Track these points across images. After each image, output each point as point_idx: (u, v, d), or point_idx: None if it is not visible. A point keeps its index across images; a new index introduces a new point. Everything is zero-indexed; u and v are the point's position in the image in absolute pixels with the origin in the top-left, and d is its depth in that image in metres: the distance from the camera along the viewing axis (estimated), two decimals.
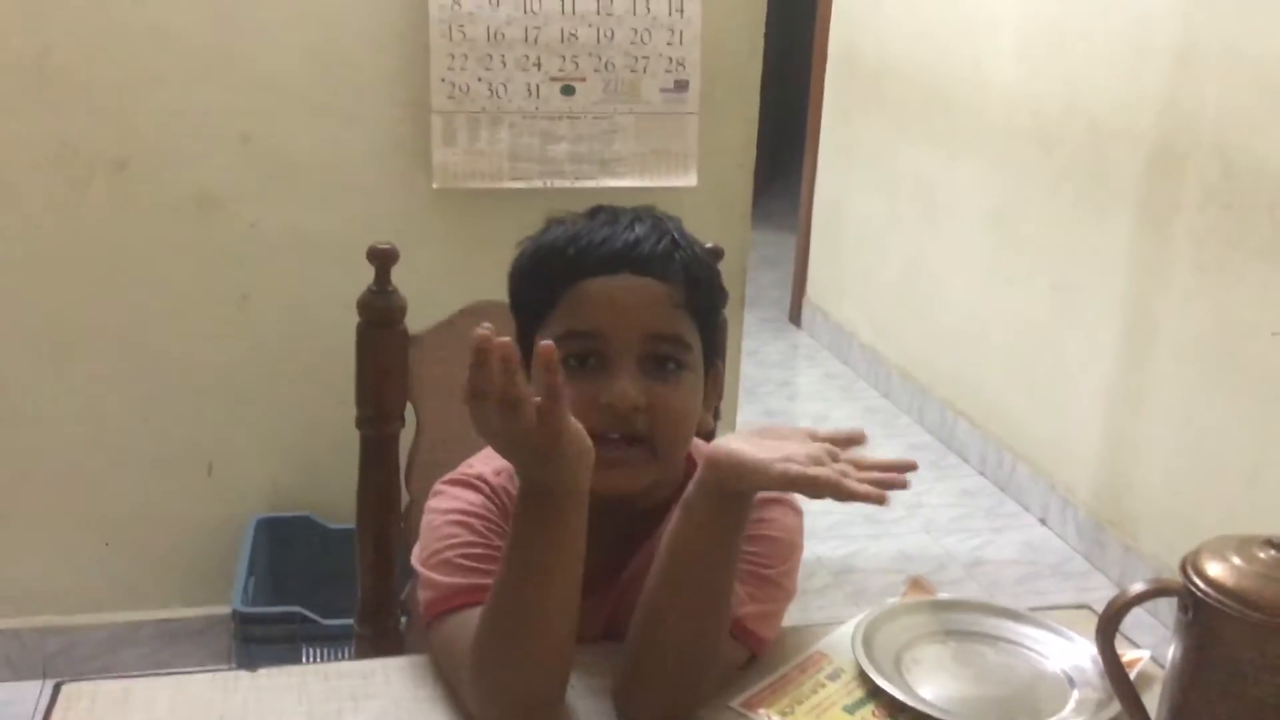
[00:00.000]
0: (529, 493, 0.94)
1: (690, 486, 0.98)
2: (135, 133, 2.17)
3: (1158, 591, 0.88)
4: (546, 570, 0.94)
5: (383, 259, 1.41)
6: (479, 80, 2.23)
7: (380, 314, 1.42)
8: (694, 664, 1.00)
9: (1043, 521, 3.30)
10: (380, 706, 1.01)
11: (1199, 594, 0.85)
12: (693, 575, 0.98)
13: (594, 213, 1.11)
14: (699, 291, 1.08)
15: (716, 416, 1.49)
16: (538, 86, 2.26)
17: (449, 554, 1.05)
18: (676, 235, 1.09)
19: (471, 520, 1.07)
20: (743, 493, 0.97)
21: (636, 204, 1.15)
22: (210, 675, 1.06)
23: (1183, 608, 0.87)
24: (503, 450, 0.92)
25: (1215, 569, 0.86)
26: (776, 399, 4.12)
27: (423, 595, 1.06)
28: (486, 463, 1.13)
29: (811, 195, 4.71)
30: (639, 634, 0.99)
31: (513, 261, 1.13)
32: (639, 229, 1.07)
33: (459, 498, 1.09)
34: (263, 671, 1.06)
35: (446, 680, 1.03)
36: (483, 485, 1.10)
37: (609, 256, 1.05)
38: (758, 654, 1.09)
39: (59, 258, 2.20)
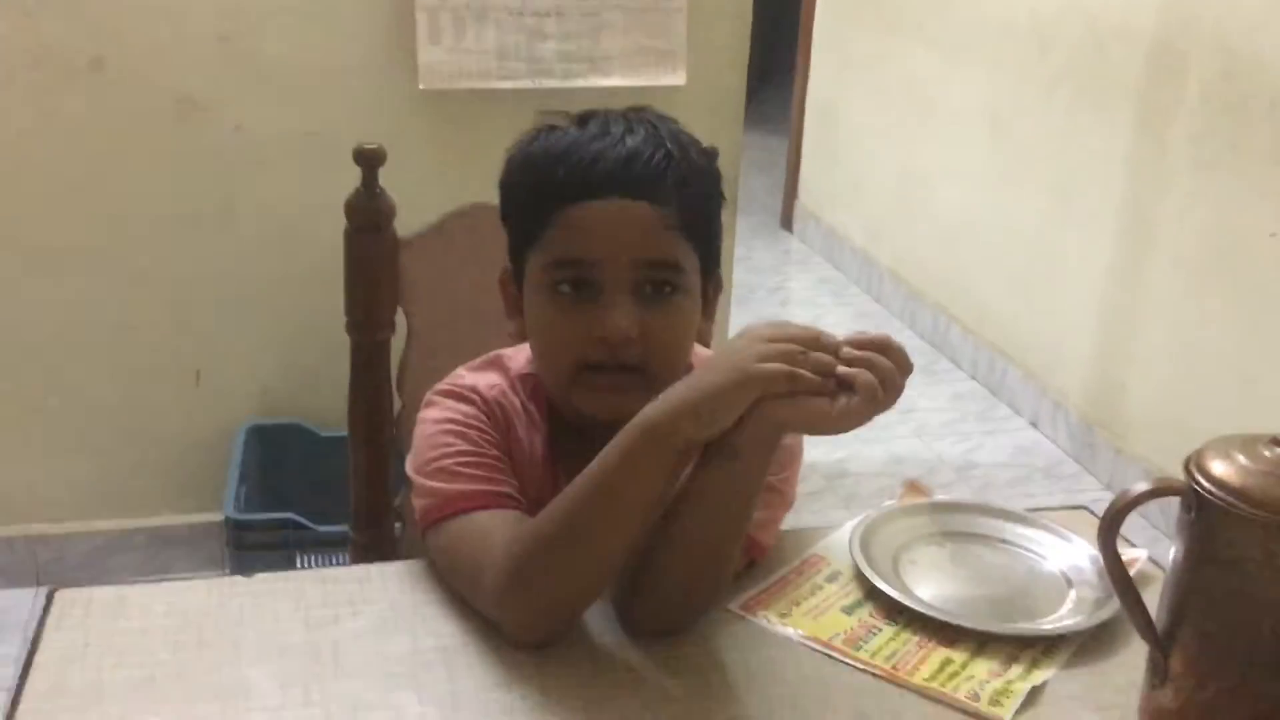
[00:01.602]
0: (658, 430, 0.91)
1: (741, 437, 0.92)
2: (111, 32, 2.11)
3: (1163, 491, 0.87)
4: (635, 505, 0.93)
5: (369, 160, 1.38)
6: None
7: (368, 217, 1.39)
8: (706, 581, 1.00)
9: (1034, 425, 3.31)
10: (378, 611, 1.01)
11: (1203, 493, 0.84)
12: (721, 508, 0.96)
13: (584, 120, 1.05)
14: (694, 209, 1.04)
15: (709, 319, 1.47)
16: None
17: (445, 461, 1.04)
18: (671, 146, 1.03)
19: (467, 430, 1.06)
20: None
21: (628, 104, 1.11)
22: (206, 581, 1.05)
23: (1186, 507, 0.86)
24: (738, 394, 0.90)
25: (1220, 468, 0.84)
26: (768, 305, 4.10)
27: (418, 503, 1.05)
28: (477, 375, 1.12)
29: (804, 97, 4.63)
30: (651, 549, 0.97)
31: (502, 171, 1.09)
32: (630, 141, 1.02)
33: (452, 408, 1.08)
34: (259, 577, 1.05)
35: (447, 583, 1.03)
36: (475, 397, 1.09)
37: (599, 179, 1.00)
38: (757, 560, 1.09)
39: (36, 164, 2.16)
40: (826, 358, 0.91)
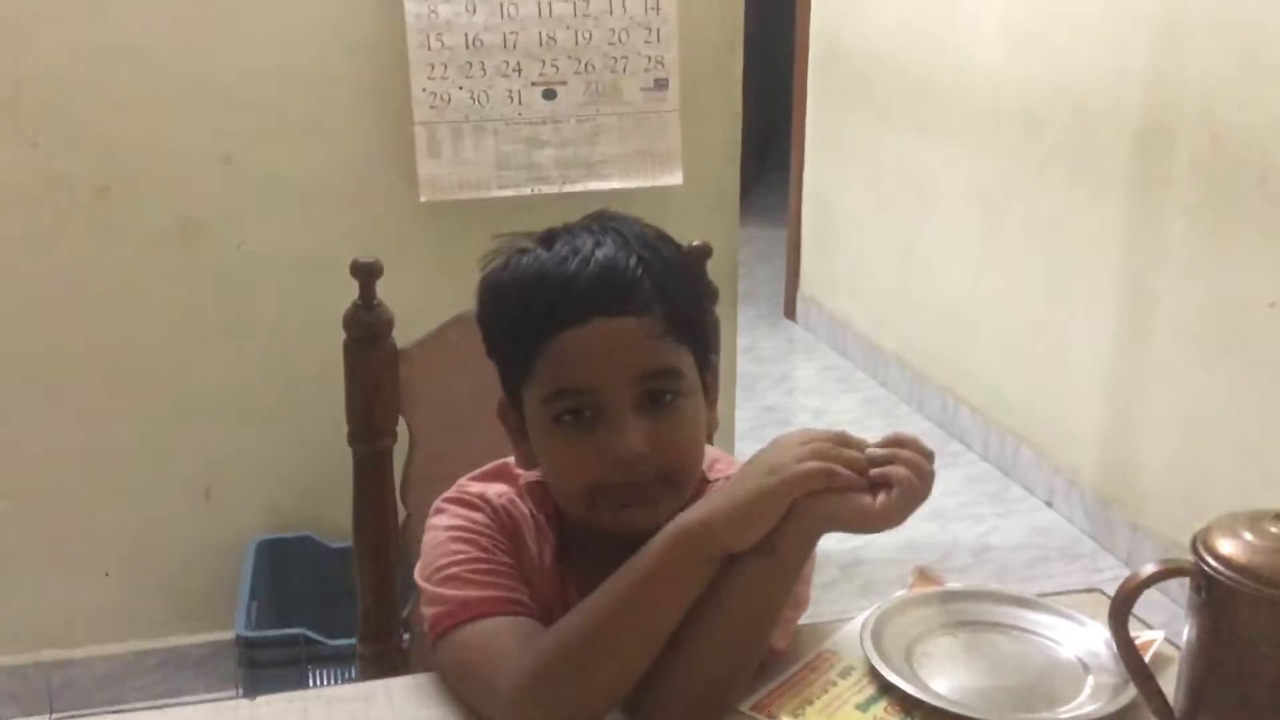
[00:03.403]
0: (695, 540, 0.92)
1: (781, 535, 0.94)
2: (115, 159, 2.16)
3: (1170, 573, 0.86)
4: (666, 615, 0.93)
5: (366, 273, 1.39)
6: (460, 89, 2.21)
7: (366, 329, 1.40)
8: (730, 682, 0.99)
9: (1049, 504, 3.28)
10: None
11: (1211, 572, 0.83)
12: (754, 608, 0.96)
13: (549, 239, 1.03)
14: (678, 309, 1.02)
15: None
16: (519, 92, 2.24)
17: (456, 569, 1.03)
18: (642, 251, 1.01)
19: (477, 537, 1.06)
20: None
21: (625, 206, 1.11)
22: (211, 706, 1.04)
23: (1195, 587, 0.85)
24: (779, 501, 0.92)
25: (1227, 546, 0.84)
26: (774, 394, 4.10)
27: (428, 611, 1.04)
28: (484, 483, 1.12)
29: (800, 188, 4.69)
30: (674, 649, 0.96)
31: (477, 298, 1.07)
32: (601, 255, 1.00)
33: (462, 516, 1.08)
34: (261, 699, 1.04)
35: (457, 694, 1.01)
36: (484, 505, 1.09)
37: (579, 305, 0.99)
38: (770, 662, 1.07)
39: (46, 289, 2.19)
40: (858, 454, 0.92)
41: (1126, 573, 0.87)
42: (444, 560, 1.04)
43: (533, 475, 1.12)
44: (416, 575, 1.08)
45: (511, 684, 0.94)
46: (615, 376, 0.99)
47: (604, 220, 1.06)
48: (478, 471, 1.15)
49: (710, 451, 1.13)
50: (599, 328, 0.99)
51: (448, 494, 1.11)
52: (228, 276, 2.25)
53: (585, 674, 0.93)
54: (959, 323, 3.69)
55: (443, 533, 1.07)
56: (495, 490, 1.10)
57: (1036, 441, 3.34)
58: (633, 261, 1.01)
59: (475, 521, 1.07)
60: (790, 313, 4.88)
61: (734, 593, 0.94)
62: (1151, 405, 2.89)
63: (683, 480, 1.02)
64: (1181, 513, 2.75)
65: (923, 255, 3.88)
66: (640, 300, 1.00)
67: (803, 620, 1.14)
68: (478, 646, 0.99)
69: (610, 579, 0.95)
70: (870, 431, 1.03)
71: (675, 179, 2.34)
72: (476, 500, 1.09)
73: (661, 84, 2.29)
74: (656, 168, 2.34)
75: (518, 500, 1.11)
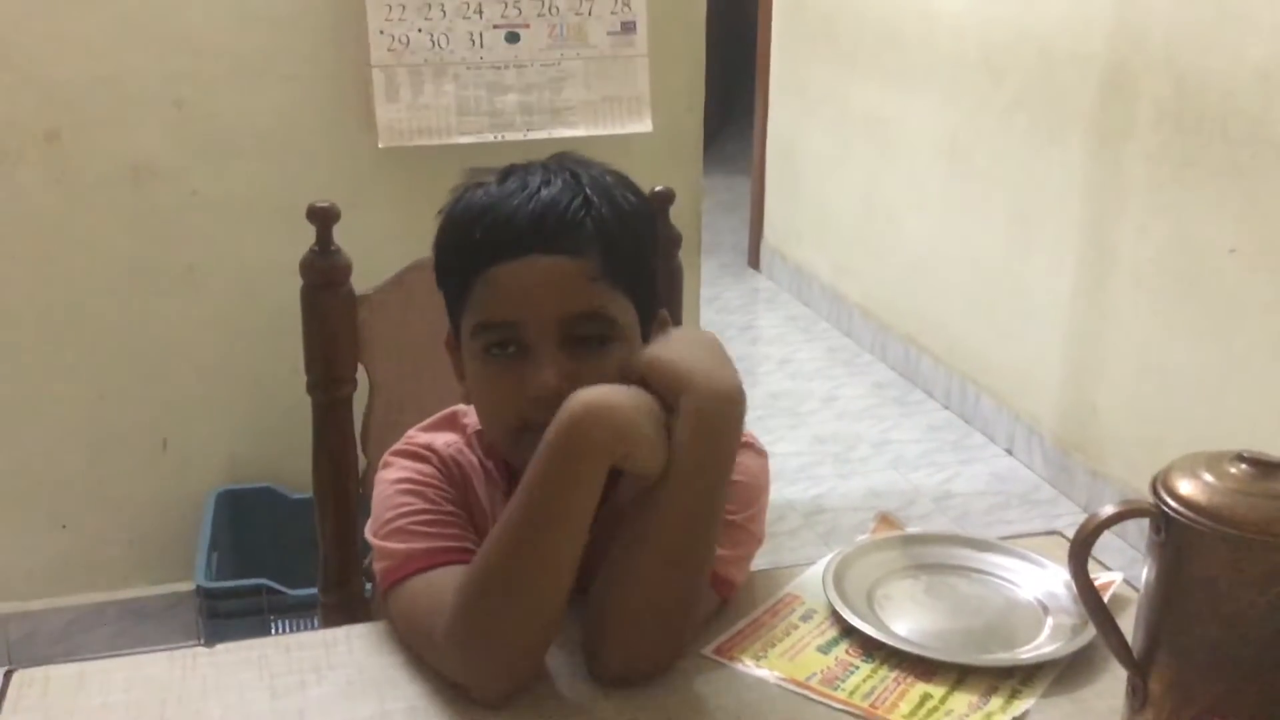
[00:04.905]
0: (562, 451, 0.91)
1: (685, 426, 0.94)
2: (65, 103, 2.11)
3: (1130, 513, 0.86)
4: (566, 525, 0.92)
5: (322, 218, 1.37)
6: (419, 31, 2.17)
7: (323, 274, 1.38)
8: (674, 618, 0.98)
9: (1009, 452, 3.31)
10: (345, 676, 0.99)
11: (1171, 513, 0.83)
12: (682, 528, 0.95)
13: (506, 175, 1.04)
14: (619, 255, 1.01)
15: None
16: (480, 35, 2.20)
17: (402, 522, 1.03)
18: (591, 193, 1.01)
19: (423, 489, 1.05)
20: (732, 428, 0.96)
21: (593, 153, 1.10)
22: (167, 654, 1.02)
23: (1155, 528, 0.85)
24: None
25: (1186, 487, 0.84)
26: (738, 343, 4.10)
27: (378, 566, 1.04)
28: (432, 433, 1.11)
29: (764, 137, 4.67)
30: (613, 589, 0.96)
31: (435, 233, 1.07)
32: (546, 193, 1.00)
33: (408, 468, 1.07)
34: (221, 647, 1.03)
35: (409, 645, 1.01)
36: (431, 455, 1.08)
37: (514, 238, 0.99)
38: (728, 598, 1.07)
39: None
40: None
41: (1085, 518, 0.87)
42: (390, 514, 1.04)
43: (479, 423, 1.11)
44: (367, 531, 1.07)
45: (444, 632, 0.94)
46: (541, 312, 0.99)
47: (563, 160, 1.06)
48: (426, 421, 1.14)
49: None
50: (531, 263, 0.99)
51: (395, 446, 1.11)
52: (182, 223, 2.21)
53: (501, 605, 0.92)
54: (921, 271, 3.70)
55: (390, 486, 1.06)
56: (443, 440, 1.10)
57: (997, 389, 3.37)
58: (577, 202, 1.00)
59: (421, 473, 1.06)
60: (754, 263, 4.88)
61: (664, 506, 0.94)
62: (1111, 352, 2.91)
63: None
64: (1140, 459, 2.78)
65: (886, 204, 3.88)
66: (578, 241, 0.99)
67: (764, 565, 1.14)
68: (420, 599, 0.98)
69: (509, 503, 0.94)
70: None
71: (644, 126, 2.31)
72: (423, 451, 1.08)
73: (629, 27, 2.26)
74: (625, 114, 2.31)
75: (466, 449, 1.10)
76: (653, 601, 0.96)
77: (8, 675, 0.99)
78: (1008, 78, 3.17)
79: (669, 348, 0.98)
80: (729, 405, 0.96)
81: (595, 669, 0.98)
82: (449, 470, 1.08)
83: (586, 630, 0.98)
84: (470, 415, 1.12)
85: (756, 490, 1.10)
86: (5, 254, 2.15)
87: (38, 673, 0.99)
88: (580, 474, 0.92)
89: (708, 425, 0.95)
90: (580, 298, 1.00)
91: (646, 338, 1.05)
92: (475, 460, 1.10)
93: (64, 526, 2.30)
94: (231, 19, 2.13)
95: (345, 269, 1.39)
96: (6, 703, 0.96)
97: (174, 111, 2.15)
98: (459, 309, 1.04)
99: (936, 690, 0.98)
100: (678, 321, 1.46)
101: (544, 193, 1.00)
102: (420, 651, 0.99)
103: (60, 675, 0.99)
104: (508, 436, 1.03)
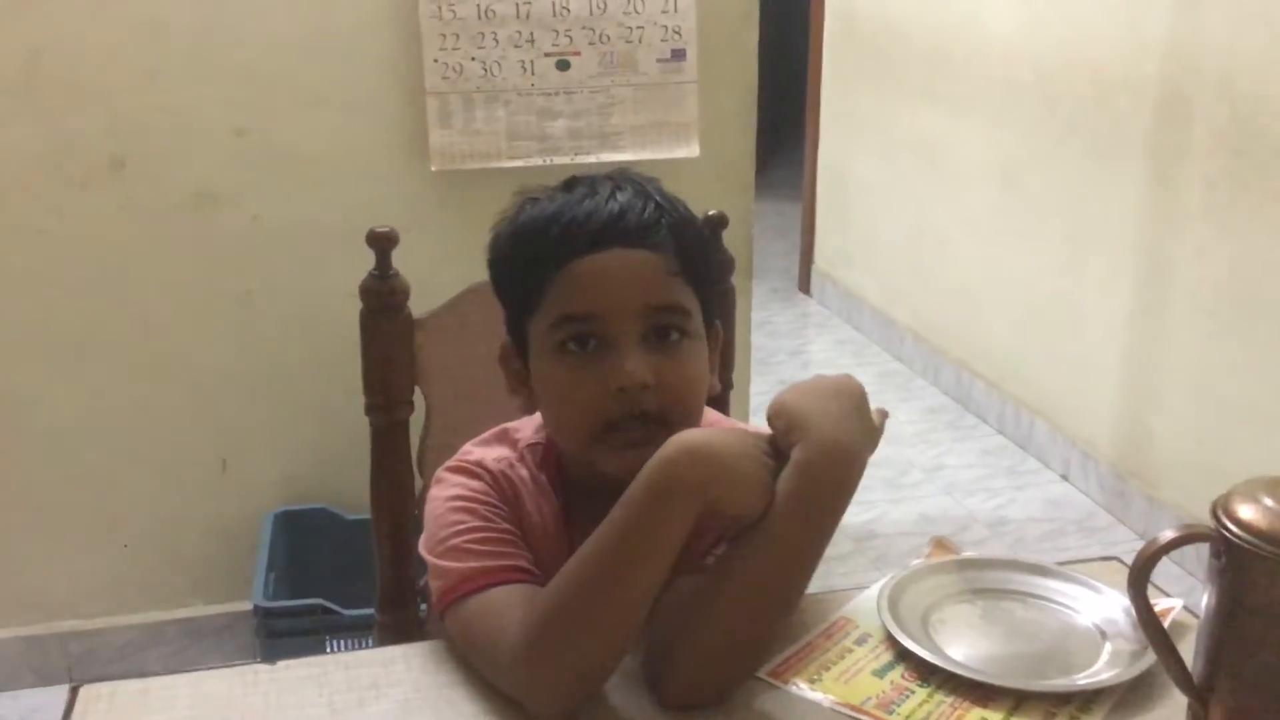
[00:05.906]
0: (654, 490, 0.92)
1: (791, 477, 0.95)
2: (130, 132, 2.16)
3: (1191, 538, 0.85)
4: (651, 562, 0.92)
5: (381, 243, 1.39)
6: (472, 60, 2.20)
7: (382, 299, 1.40)
8: (748, 657, 0.99)
9: (1064, 477, 3.27)
10: (402, 693, 1.00)
11: (1232, 538, 0.83)
12: (771, 575, 0.96)
13: (570, 185, 1.06)
14: (691, 255, 1.04)
15: (729, 386, 1.47)
16: (532, 63, 2.23)
17: (457, 540, 1.03)
18: (660, 200, 1.05)
19: (476, 506, 1.06)
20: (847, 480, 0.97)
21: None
22: (230, 670, 1.04)
23: (1215, 553, 0.85)
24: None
25: (1247, 511, 0.83)
26: (789, 368, 4.09)
27: (434, 584, 1.04)
28: (484, 449, 1.12)
29: (815, 162, 4.67)
30: (691, 620, 0.96)
31: (490, 246, 1.09)
32: (621, 198, 1.03)
33: (461, 484, 1.08)
34: (282, 664, 1.04)
35: (468, 663, 1.02)
36: (483, 472, 1.09)
37: (596, 232, 1.01)
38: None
39: (61, 262, 2.19)
40: None
41: (1142, 545, 0.87)
42: (444, 532, 1.04)
43: (532, 437, 1.12)
44: (421, 547, 1.08)
45: (511, 653, 0.94)
46: (624, 304, 1.00)
47: (625, 173, 1.08)
48: (478, 438, 1.15)
49: (708, 413, 1.13)
50: (614, 255, 1.01)
51: (448, 463, 1.12)
52: (243, 249, 2.25)
53: (577, 632, 0.93)
54: (974, 296, 3.67)
55: (442, 503, 1.07)
56: (494, 455, 1.10)
57: (1052, 415, 3.33)
58: (651, 206, 1.03)
59: (474, 490, 1.07)
60: (805, 287, 4.87)
61: (756, 549, 0.94)
62: (1167, 378, 2.87)
63: (680, 422, 1.01)
64: (1197, 486, 2.74)
65: (937, 228, 3.86)
66: (657, 238, 1.02)
67: (816, 589, 1.13)
68: (479, 619, 0.99)
69: (595, 533, 0.94)
70: (886, 405, 1.03)
71: (692, 151, 2.33)
72: (474, 468, 1.09)
73: (679, 54, 2.28)
74: (672, 139, 2.32)
75: (517, 463, 1.11)
76: (731, 639, 0.97)
77: (74, 690, 1.01)
78: (1060, 103, 3.16)
79: (798, 392, 1.00)
80: (839, 464, 0.96)
81: (659, 693, 0.98)
82: (500, 486, 1.08)
83: (650, 655, 0.98)
84: (522, 430, 1.13)
85: None
86: (71, 279, 2.20)
87: (104, 688, 1.01)
88: (671, 514, 0.92)
89: (811, 480, 0.95)
90: (661, 290, 1.02)
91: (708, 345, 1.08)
92: (526, 475, 1.10)
93: (125, 546, 2.34)
94: (291, 50, 2.18)
95: (404, 293, 1.41)
96: (74, 717, 0.98)
97: (235, 140, 2.20)
98: (528, 310, 1.05)
99: (993, 715, 0.97)
100: (730, 340, 1.47)
101: (619, 196, 1.03)
102: (480, 668, 1.00)
103: (126, 691, 1.01)
104: (585, 436, 1.03)
